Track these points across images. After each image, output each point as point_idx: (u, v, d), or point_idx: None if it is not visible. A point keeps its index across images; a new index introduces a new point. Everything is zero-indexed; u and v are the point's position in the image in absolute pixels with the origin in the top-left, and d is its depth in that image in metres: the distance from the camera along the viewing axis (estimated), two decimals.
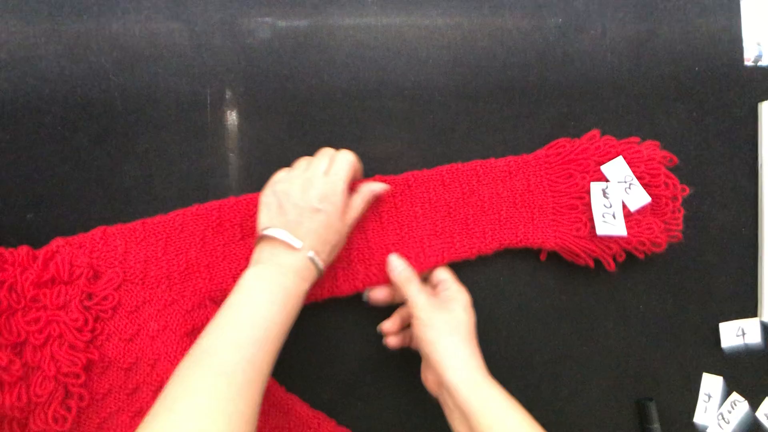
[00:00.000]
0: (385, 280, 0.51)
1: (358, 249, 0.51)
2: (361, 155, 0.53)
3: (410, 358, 0.54)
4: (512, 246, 0.53)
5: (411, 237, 0.52)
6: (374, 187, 0.50)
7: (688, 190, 0.54)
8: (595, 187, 0.52)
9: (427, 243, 0.52)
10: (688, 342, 0.57)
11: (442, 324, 0.45)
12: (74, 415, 0.44)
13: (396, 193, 0.52)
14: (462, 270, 0.53)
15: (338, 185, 0.46)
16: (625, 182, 0.52)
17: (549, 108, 0.56)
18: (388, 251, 0.52)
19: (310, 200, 0.45)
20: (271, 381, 0.51)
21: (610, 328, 0.56)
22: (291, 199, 0.45)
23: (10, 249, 0.45)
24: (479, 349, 0.46)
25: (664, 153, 0.55)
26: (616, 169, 0.53)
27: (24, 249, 0.45)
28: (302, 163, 0.48)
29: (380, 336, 0.53)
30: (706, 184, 0.57)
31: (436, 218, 0.53)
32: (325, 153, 0.49)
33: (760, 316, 0.57)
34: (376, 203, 0.52)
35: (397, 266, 0.50)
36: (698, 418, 0.57)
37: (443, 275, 0.51)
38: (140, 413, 0.46)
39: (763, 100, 0.58)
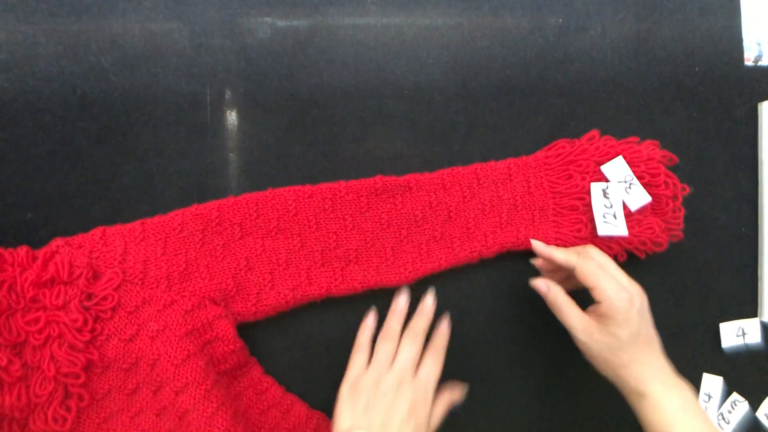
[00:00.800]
0: (382, 282, 0.51)
1: (356, 250, 0.51)
2: (361, 155, 0.53)
3: None
4: (514, 248, 0.53)
5: (410, 240, 0.52)
6: (454, 398, 0.49)
7: (688, 190, 0.54)
8: (596, 188, 0.52)
9: (426, 248, 0.52)
10: (688, 342, 0.57)
11: (609, 352, 0.45)
12: (74, 416, 0.44)
13: (396, 194, 0.52)
14: (463, 270, 0.53)
15: (429, 394, 0.45)
16: (626, 182, 0.52)
17: (549, 108, 0.56)
18: (386, 253, 0.52)
19: (399, 409, 0.43)
20: (270, 381, 0.51)
21: None
22: (379, 403, 0.43)
23: (10, 249, 0.45)
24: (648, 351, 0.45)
25: (664, 152, 0.55)
26: (616, 169, 0.53)
27: (23, 249, 0.45)
28: (385, 350, 0.47)
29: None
30: (706, 184, 0.57)
31: (436, 222, 0.53)
32: (412, 340, 0.47)
33: (760, 316, 0.57)
34: (375, 204, 0.52)
35: (541, 287, 0.49)
36: None
37: (594, 281, 0.45)
38: (140, 413, 0.46)
39: (763, 100, 0.58)
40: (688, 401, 0.43)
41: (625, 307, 0.44)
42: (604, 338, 0.44)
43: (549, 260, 0.50)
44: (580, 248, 0.49)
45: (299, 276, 0.50)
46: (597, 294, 0.45)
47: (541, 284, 0.49)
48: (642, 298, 0.46)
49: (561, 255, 0.48)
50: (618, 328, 0.44)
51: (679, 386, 0.44)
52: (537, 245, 0.51)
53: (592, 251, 0.48)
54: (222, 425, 0.45)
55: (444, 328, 0.50)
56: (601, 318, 0.45)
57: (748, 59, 0.58)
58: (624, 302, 0.44)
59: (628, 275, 0.47)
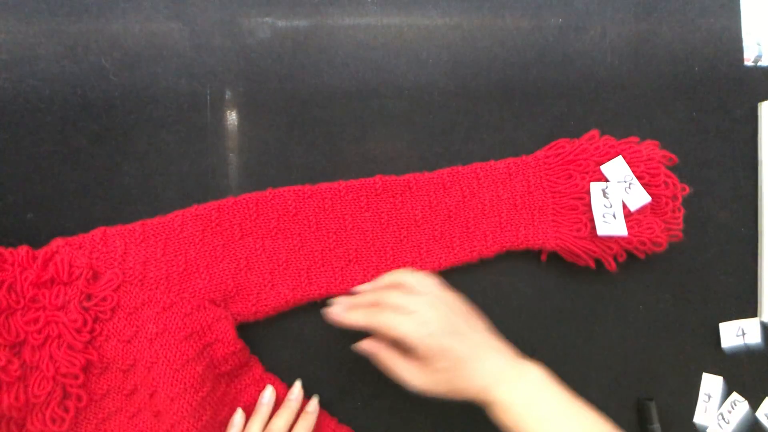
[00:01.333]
0: None
1: (356, 250, 0.51)
2: (361, 155, 0.53)
3: None
4: (513, 248, 0.53)
5: (410, 240, 0.52)
6: None
7: (688, 190, 0.54)
8: (595, 188, 0.52)
9: (426, 248, 0.52)
10: (688, 342, 0.57)
11: (445, 383, 0.42)
12: (72, 416, 0.44)
13: (396, 194, 0.52)
14: (462, 270, 0.53)
15: None
16: (625, 182, 0.52)
17: (549, 108, 0.56)
18: (386, 253, 0.52)
19: None
20: (271, 378, 0.51)
21: (610, 328, 0.56)
22: None
23: (10, 249, 0.45)
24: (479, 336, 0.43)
25: (664, 152, 0.55)
26: (616, 169, 0.53)
27: (24, 249, 0.45)
28: (256, 425, 0.46)
29: None
30: (706, 184, 0.57)
31: (436, 222, 0.53)
32: (286, 410, 0.47)
33: (760, 316, 0.57)
34: (375, 204, 0.52)
35: (369, 349, 0.46)
36: (698, 418, 0.57)
37: (395, 333, 0.42)
38: (138, 414, 0.46)
39: (763, 100, 0.58)
40: (534, 392, 0.41)
41: (435, 342, 0.41)
42: (436, 376, 0.42)
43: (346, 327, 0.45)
44: (374, 295, 0.46)
45: (299, 276, 0.50)
46: (405, 343, 0.42)
47: (367, 346, 0.46)
48: (446, 316, 0.43)
49: (352, 319, 0.45)
50: (440, 361, 0.41)
51: (522, 379, 0.42)
52: (331, 315, 0.46)
53: (384, 296, 0.44)
54: None
55: (311, 409, 0.49)
56: (423, 361, 0.42)
57: (748, 59, 0.58)
58: (432, 338, 0.41)
59: (435, 283, 0.45)
